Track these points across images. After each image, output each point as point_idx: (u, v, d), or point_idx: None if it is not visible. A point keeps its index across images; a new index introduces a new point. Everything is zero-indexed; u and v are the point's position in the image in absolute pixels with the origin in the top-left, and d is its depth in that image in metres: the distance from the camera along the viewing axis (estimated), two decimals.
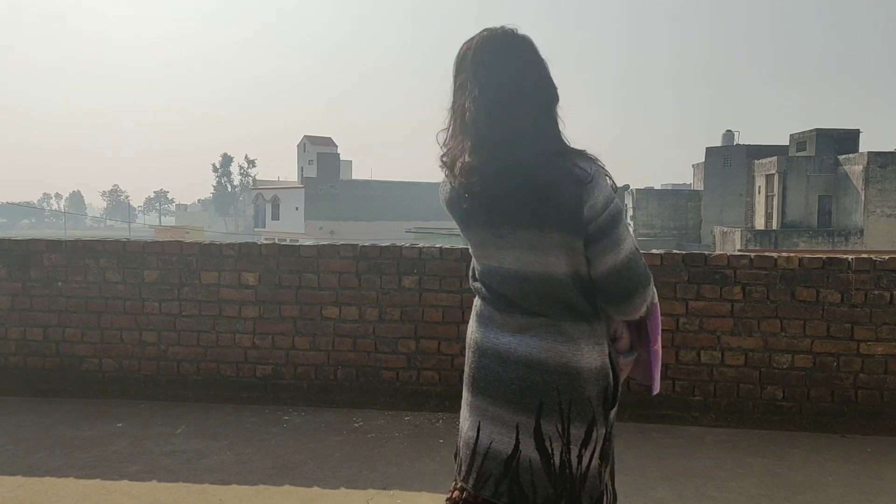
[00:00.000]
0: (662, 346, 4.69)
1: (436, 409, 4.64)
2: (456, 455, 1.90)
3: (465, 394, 1.87)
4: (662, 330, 4.56)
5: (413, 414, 4.60)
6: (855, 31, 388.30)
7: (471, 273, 1.91)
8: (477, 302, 1.87)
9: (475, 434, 1.79)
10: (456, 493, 1.86)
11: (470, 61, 1.75)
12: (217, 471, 3.70)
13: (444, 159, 1.78)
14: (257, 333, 4.78)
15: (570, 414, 1.73)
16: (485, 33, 1.78)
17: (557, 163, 1.68)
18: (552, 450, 1.73)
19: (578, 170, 1.67)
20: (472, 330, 1.86)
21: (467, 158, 1.72)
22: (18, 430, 4.26)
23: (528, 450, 1.73)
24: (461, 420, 1.88)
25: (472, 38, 1.79)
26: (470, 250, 1.87)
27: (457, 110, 1.76)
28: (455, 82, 1.77)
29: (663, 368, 4.46)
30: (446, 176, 1.79)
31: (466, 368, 1.87)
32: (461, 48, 1.79)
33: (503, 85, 1.71)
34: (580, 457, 1.74)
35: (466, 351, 1.88)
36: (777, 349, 4.41)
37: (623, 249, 1.71)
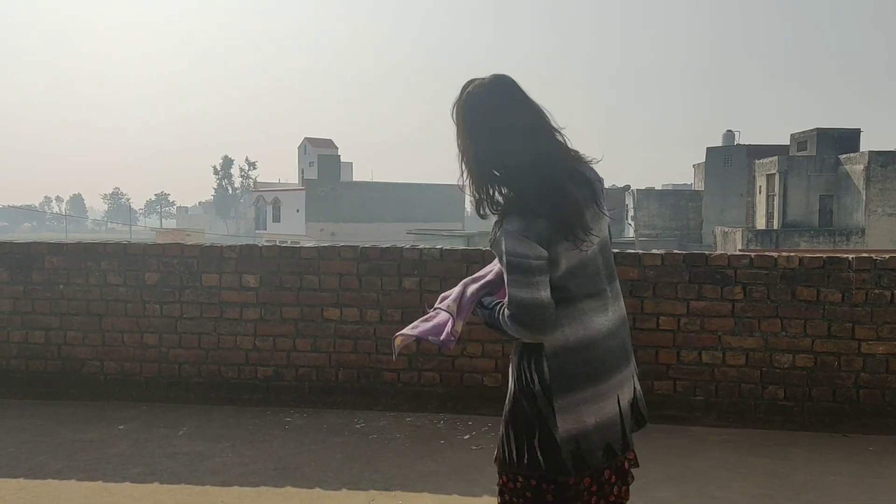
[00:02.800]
0: (663, 347, 4.73)
1: (437, 411, 4.64)
2: (581, 461, 2.01)
3: (585, 392, 2.02)
4: (664, 330, 4.59)
5: (414, 415, 4.61)
6: (856, 30, 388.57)
7: (557, 292, 1.99)
8: (563, 312, 2.00)
9: (617, 408, 2.07)
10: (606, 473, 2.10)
11: (495, 104, 2.00)
12: (219, 472, 3.70)
13: (519, 194, 2.00)
14: (258, 335, 4.79)
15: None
16: (483, 83, 2.02)
17: (587, 163, 2.09)
18: (637, 375, 2.20)
19: None
20: (577, 331, 2.01)
21: (541, 176, 1.98)
22: (20, 432, 4.27)
23: (637, 384, 2.18)
24: (584, 417, 2.02)
25: (470, 91, 2.02)
26: (561, 263, 1.98)
27: (494, 146, 1.99)
28: (481, 123, 2.00)
29: (664, 369, 4.47)
30: (524, 210, 1.96)
31: (578, 368, 2.01)
32: (472, 98, 2.01)
33: (535, 114, 2.02)
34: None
35: (571, 356, 2.00)
36: (778, 349, 4.41)
37: None
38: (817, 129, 33.74)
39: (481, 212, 2.04)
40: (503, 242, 1.94)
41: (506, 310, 1.99)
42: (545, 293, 1.94)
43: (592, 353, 2.02)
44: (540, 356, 2.01)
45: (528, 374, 2.03)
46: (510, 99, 2.01)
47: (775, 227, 32.35)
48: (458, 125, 2.04)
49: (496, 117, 1.99)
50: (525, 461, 2.04)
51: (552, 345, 2.00)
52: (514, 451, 2.06)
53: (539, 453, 2.02)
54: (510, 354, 2.16)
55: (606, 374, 2.04)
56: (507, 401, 2.12)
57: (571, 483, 2.06)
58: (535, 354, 2.02)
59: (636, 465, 2.21)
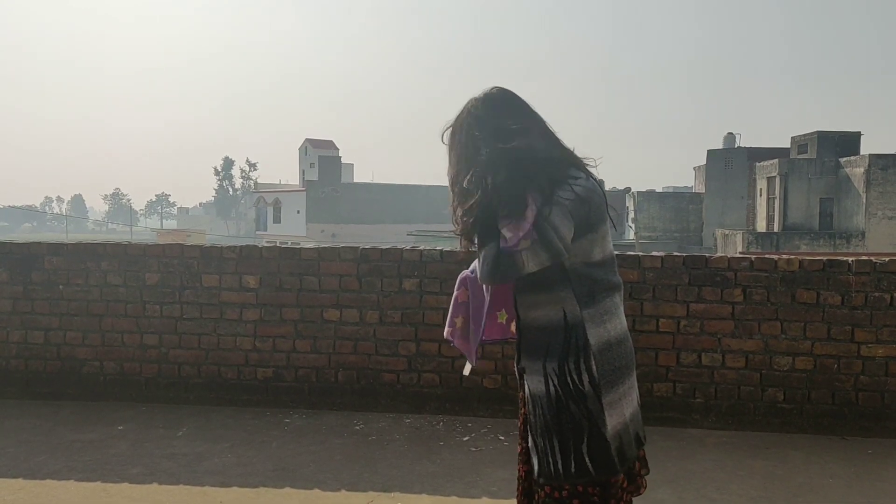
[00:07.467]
0: (663, 349, 4.72)
1: (436, 412, 4.64)
2: (623, 456, 2.06)
3: (624, 385, 2.06)
4: (663, 332, 4.59)
5: (414, 416, 4.61)
6: (856, 33, 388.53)
7: (597, 284, 2.03)
8: (604, 306, 2.03)
9: (638, 396, 2.15)
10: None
11: (519, 105, 2.10)
12: (218, 473, 3.70)
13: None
14: (258, 336, 4.79)
15: None
16: (494, 91, 2.11)
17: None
18: None
19: None
20: (616, 325, 2.05)
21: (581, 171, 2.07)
22: (19, 432, 4.27)
23: None
24: (624, 409, 2.07)
25: (483, 98, 2.10)
26: (605, 248, 2.06)
27: (540, 133, 2.07)
28: (513, 123, 2.04)
29: (663, 371, 4.47)
30: (589, 177, 2.06)
31: (619, 361, 2.04)
32: (500, 100, 2.09)
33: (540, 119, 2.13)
34: None
35: (614, 350, 2.03)
36: (778, 351, 4.41)
37: None
38: (818, 131, 33.73)
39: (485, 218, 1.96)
40: (549, 207, 1.93)
41: (491, 249, 1.94)
42: (528, 267, 1.94)
43: (627, 344, 2.09)
44: (588, 354, 1.99)
45: (575, 376, 1.99)
46: (520, 103, 2.10)
47: (776, 229, 32.33)
48: (465, 142, 2.03)
49: (512, 119, 2.04)
50: (573, 469, 2.00)
51: (598, 341, 2.00)
52: (561, 461, 2.00)
53: (587, 458, 1.99)
54: (523, 361, 2.09)
55: (634, 363, 2.12)
56: (540, 410, 2.03)
57: (614, 482, 2.06)
58: (582, 353, 1.99)
59: (645, 464, 2.27)
